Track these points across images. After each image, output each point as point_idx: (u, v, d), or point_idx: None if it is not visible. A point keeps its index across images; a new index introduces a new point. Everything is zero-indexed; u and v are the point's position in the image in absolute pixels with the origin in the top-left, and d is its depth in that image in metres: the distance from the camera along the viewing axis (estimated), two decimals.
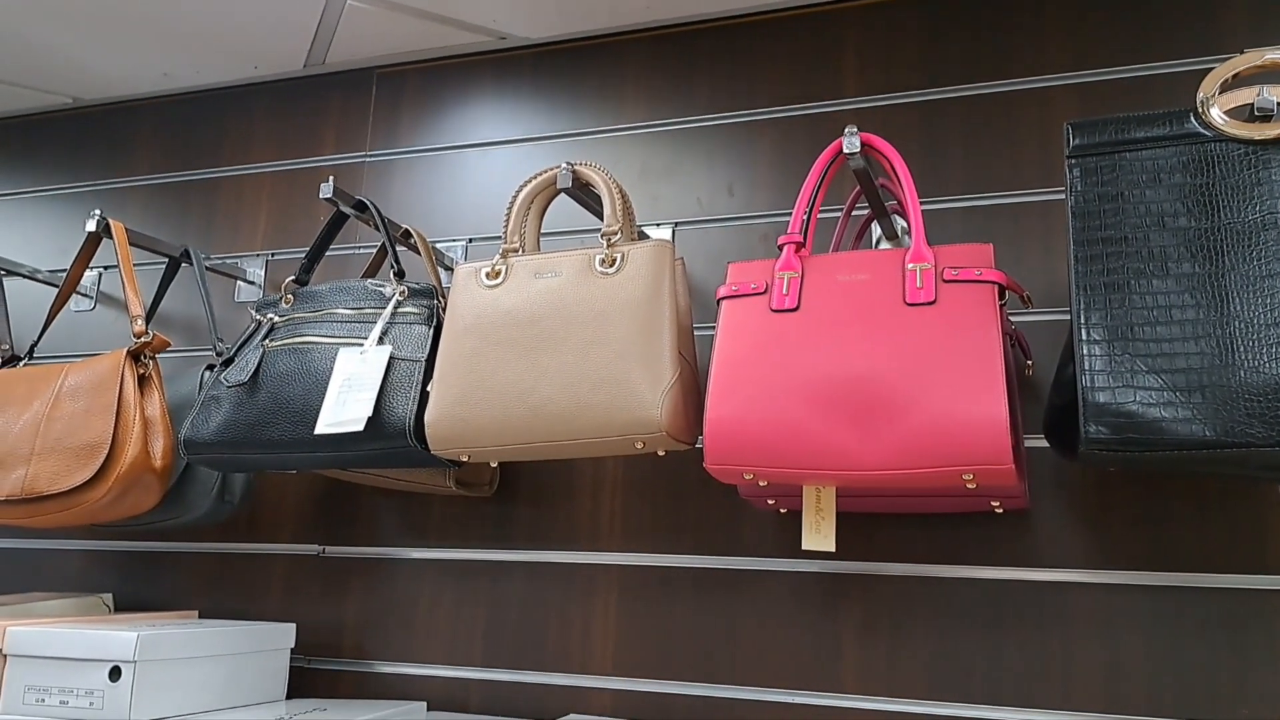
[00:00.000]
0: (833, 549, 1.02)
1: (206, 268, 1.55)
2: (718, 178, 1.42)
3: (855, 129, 1.04)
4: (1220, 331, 0.81)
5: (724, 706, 1.23)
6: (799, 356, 0.96)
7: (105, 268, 1.74)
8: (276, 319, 1.27)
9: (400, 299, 1.21)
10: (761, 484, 1.00)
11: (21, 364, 1.43)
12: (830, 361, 0.95)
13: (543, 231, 1.40)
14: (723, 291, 1.04)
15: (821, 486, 1.03)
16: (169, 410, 1.30)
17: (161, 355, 1.59)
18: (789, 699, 1.20)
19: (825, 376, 0.94)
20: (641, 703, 1.26)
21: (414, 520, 1.44)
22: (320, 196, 1.26)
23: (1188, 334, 0.82)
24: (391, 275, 1.24)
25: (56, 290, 1.50)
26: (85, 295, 1.74)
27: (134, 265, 1.69)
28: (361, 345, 1.18)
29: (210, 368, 1.39)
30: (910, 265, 0.97)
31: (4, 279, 1.56)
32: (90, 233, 1.39)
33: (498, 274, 1.12)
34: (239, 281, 1.65)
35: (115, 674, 1.09)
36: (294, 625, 1.35)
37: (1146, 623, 1.10)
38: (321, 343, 1.20)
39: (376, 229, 1.32)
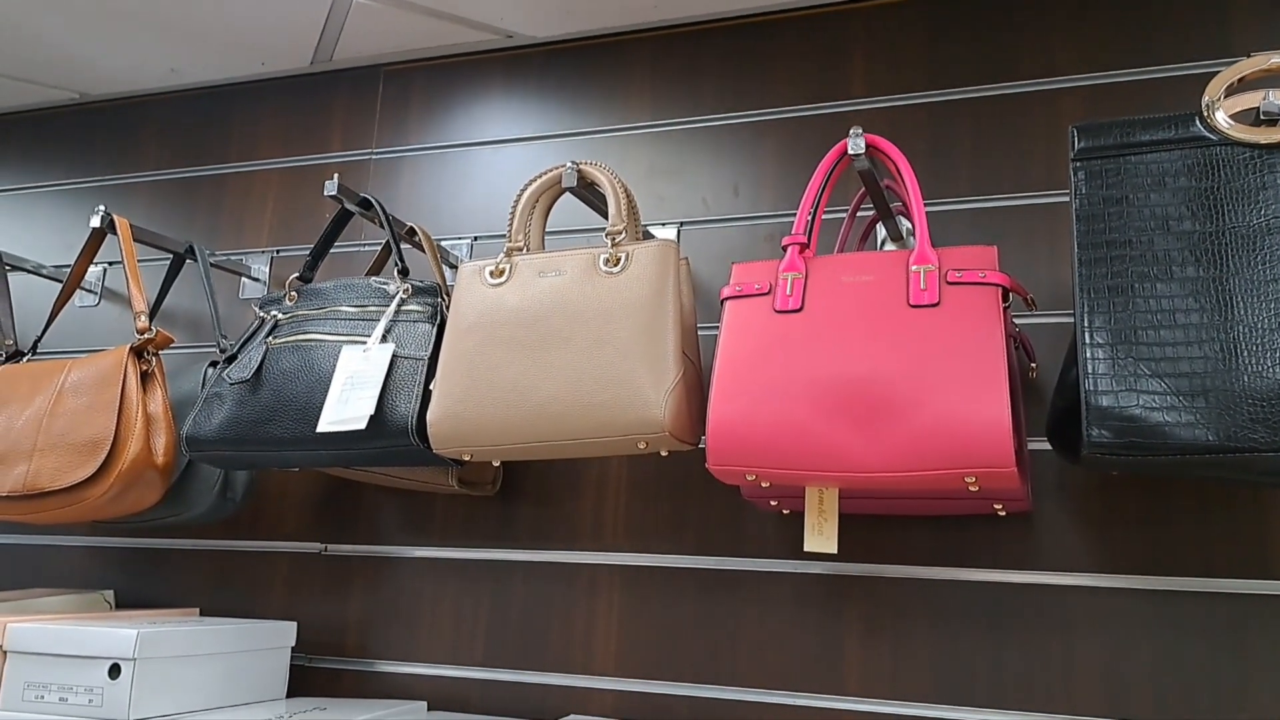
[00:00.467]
0: (835, 551, 1.02)
1: (211, 264, 1.56)
2: (723, 178, 1.42)
3: (860, 130, 1.04)
4: (1224, 336, 0.80)
5: (726, 708, 1.22)
6: (802, 357, 0.96)
7: (110, 263, 1.74)
8: (280, 316, 1.27)
9: (404, 297, 1.21)
10: (764, 485, 1.00)
11: (25, 359, 1.43)
12: (833, 362, 0.94)
13: (548, 230, 1.41)
14: (727, 292, 1.04)
15: (824, 488, 1.03)
16: (172, 407, 1.30)
17: (165, 352, 1.59)
18: (791, 701, 1.20)
19: (828, 377, 0.94)
20: (643, 704, 1.26)
21: (417, 519, 1.44)
22: (325, 194, 1.26)
23: (1191, 338, 0.82)
24: (395, 273, 1.24)
25: (61, 286, 1.50)
26: (90, 291, 1.74)
27: (139, 261, 1.69)
28: (365, 343, 1.18)
29: (214, 364, 1.39)
30: (914, 267, 0.97)
31: (9, 274, 1.57)
32: (95, 228, 1.39)
33: (502, 272, 1.12)
34: (243, 278, 1.65)
35: (115, 671, 1.09)
36: (295, 624, 1.36)
37: (1149, 627, 1.10)
38: (325, 340, 1.20)
39: (381, 227, 1.32)
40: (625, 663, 1.28)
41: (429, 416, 1.08)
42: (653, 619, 1.28)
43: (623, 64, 1.52)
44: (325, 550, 1.48)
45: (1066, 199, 1.25)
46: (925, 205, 1.29)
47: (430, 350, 1.16)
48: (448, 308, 1.20)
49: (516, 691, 1.32)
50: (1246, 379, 0.79)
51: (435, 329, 1.18)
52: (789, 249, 1.03)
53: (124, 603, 1.55)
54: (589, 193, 1.18)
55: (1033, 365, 1.17)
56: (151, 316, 1.47)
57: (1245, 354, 0.79)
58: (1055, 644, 1.12)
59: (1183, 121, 0.88)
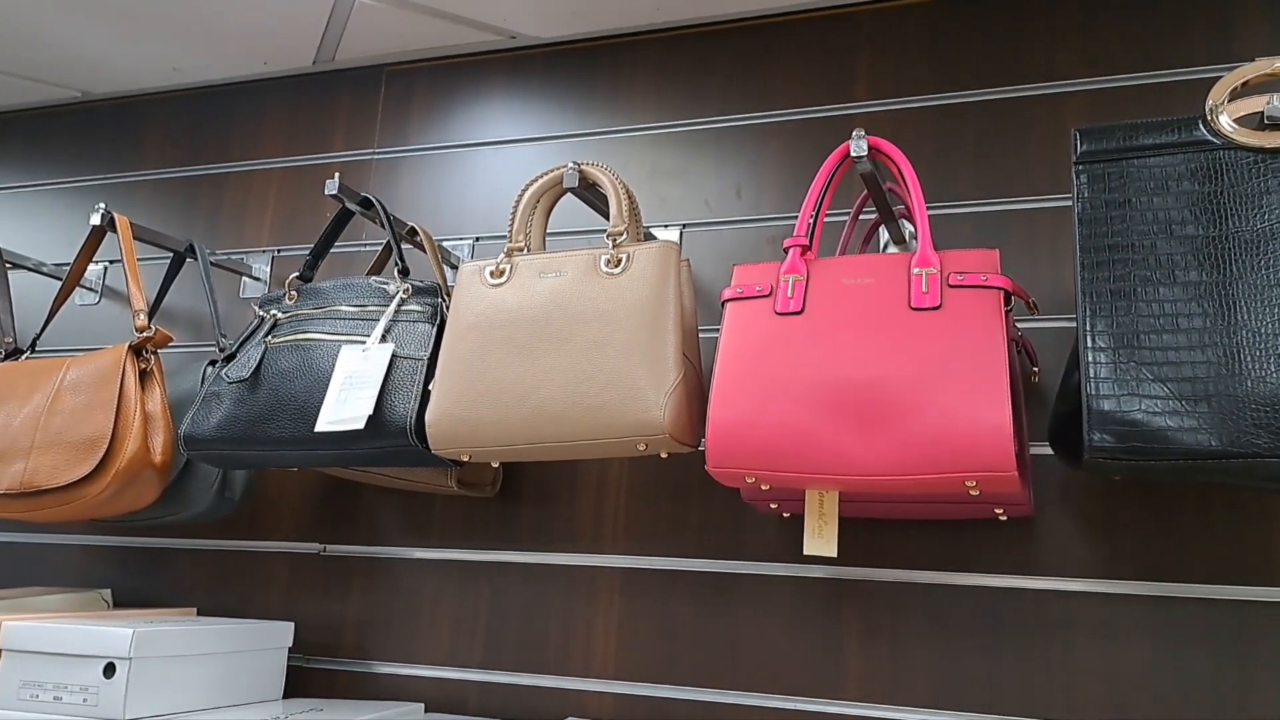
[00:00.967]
0: (834, 554, 1.01)
1: (212, 263, 1.55)
2: (727, 179, 1.41)
3: (863, 132, 1.03)
4: (1227, 340, 0.80)
5: (725, 712, 1.22)
6: (803, 359, 0.95)
7: (111, 262, 1.74)
8: (280, 315, 1.26)
9: (404, 297, 1.21)
10: (764, 488, 1.00)
11: (24, 357, 1.42)
12: (834, 365, 0.94)
13: (551, 231, 1.40)
14: (727, 294, 1.03)
15: (824, 491, 1.03)
16: (171, 406, 1.29)
17: (166, 350, 1.59)
18: (790, 705, 1.19)
19: (828, 380, 0.93)
20: (641, 707, 1.25)
21: (416, 519, 1.44)
22: (325, 193, 1.26)
23: (1194, 343, 0.81)
24: (396, 273, 1.24)
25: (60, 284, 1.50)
26: (91, 289, 1.74)
27: (140, 260, 1.69)
28: (364, 343, 1.17)
29: (213, 363, 1.39)
30: (916, 270, 0.97)
31: (10, 272, 1.56)
32: (94, 226, 1.39)
33: (502, 273, 1.12)
34: (244, 277, 1.65)
35: (110, 670, 1.08)
36: (292, 624, 1.35)
37: (1150, 633, 1.09)
38: (324, 340, 1.20)
39: (382, 226, 1.31)
40: (624, 666, 1.28)
41: (427, 417, 1.07)
42: (652, 622, 1.28)
43: (627, 65, 1.52)
44: (324, 550, 1.47)
45: (1070, 203, 1.24)
46: (928, 208, 1.29)
47: (430, 350, 1.15)
48: (448, 308, 1.20)
49: (514, 694, 1.31)
50: (1250, 384, 0.78)
51: (435, 329, 1.18)
52: (790, 251, 1.02)
53: (121, 602, 1.54)
54: (590, 193, 1.18)
55: (1035, 369, 1.16)
56: (151, 315, 1.47)
57: (1248, 359, 0.79)
58: (1055, 650, 1.12)
59: (1186, 125, 0.88)
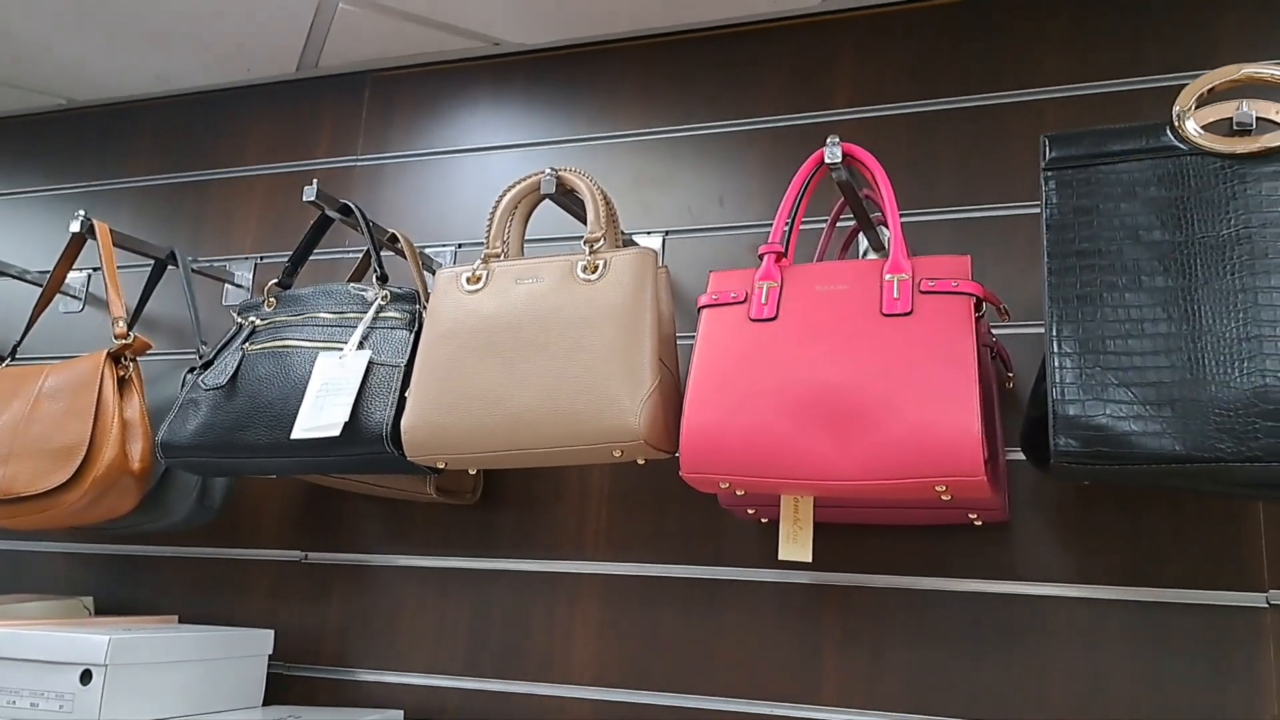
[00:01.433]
0: (809, 559, 1.01)
1: (194, 270, 1.56)
2: (709, 187, 1.42)
3: (837, 139, 1.04)
4: (1192, 345, 0.80)
5: (703, 717, 1.22)
6: (776, 365, 0.96)
7: (94, 269, 1.74)
8: (258, 322, 1.27)
9: (382, 303, 1.21)
10: (739, 493, 1.00)
11: (4, 364, 1.42)
12: (806, 370, 0.94)
13: (534, 238, 1.41)
14: (703, 300, 1.04)
15: (800, 496, 1.03)
16: (152, 413, 1.29)
17: (148, 358, 1.60)
18: (770, 710, 1.19)
19: (801, 385, 0.94)
20: (621, 714, 1.25)
21: (398, 527, 1.44)
22: (304, 200, 1.26)
23: (1159, 348, 0.82)
24: (375, 279, 1.24)
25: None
26: (74, 296, 1.74)
27: (123, 267, 1.69)
28: (341, 349, 1.18)
29: (192, 370, 1.39)
30: (888, 276, 0.97)
31: None
32: (74, 234, 1.39)
33: (479, 279, 1.12)
34: (226, 284, 1.65)
35: (86, 677, 1.08)
36: (272, 632, 1.35)
37: (1126, 638, 1.09)
38: (302, 346, 1.20)
39: (361, 233, 1.31)
40: (604, 672, 1.28)
41: (403, 424, 1.08)
42: (632, 628, 1.28)
43: (611, 72, 1.52)
44: (306, 558, 1.47)
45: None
46: (906, 215, 1.29)
47: (407, 357, 1.16)
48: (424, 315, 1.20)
49: (495, 701, 1.31)
50: (1213, 389, 0.79)
51: (413, 336, 1.18)
52: (765, 258, 1.03)
53: (103, 609, 1.54)
54: (568, 199, 1.18)
55: (1010, 375, 1.17)
56: (133, 322, 1.48)
57: (1212, 364, 0.79)
58: (1032, 655, 1.12)
59: (1153, 131, 0.89)
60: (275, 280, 1.31)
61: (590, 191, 1.13)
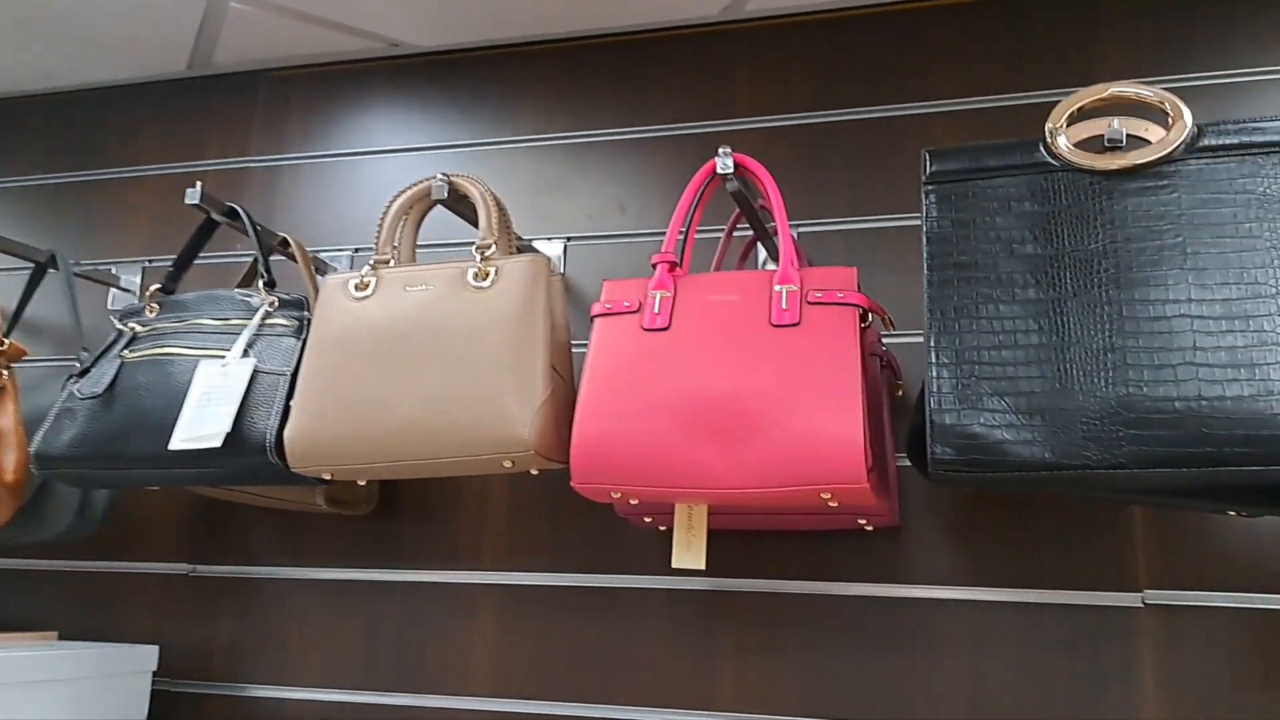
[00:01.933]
0: (703, 566, 1.02)
1: (77, 274, 1.49)
2: (610, 194, 1.42)
3: (729, 150, 1.04)
4: (1061, 356, 0.83)
5: None
6: (666, 375, 0.96)
7: None
8: (139, 328, 1.22)
9: (269, 310, 1.18)
10: (633, 502, 1.00)
11: None
12: (695, 380, 0.94)
13: (430, 243, 1.39)
14: (596, 309, 1.03)
15: (694, 505, 1.03)
16: (27, 422, 1.24)
17: (26, 364, 1.52)
18: (667, 718, 1.20)
19: (690, 394, 0.94)
20: None
21: (291, 538, 1.40)
22: (186, 202, 1.22)
23: (1031, 358, 0.84)
24: (260, 285, 1.20)
25: None
26: None
27: (2, 270, 1.62)
28: (224, 357, 1.14)
29: (71, 378, 1.33)
30: (777, 287, 0.98)
31: None
32: None
33: (366, 285, 1.10)
34: (112, 289, 1.59)
35: None
36: (156, 647, 1.30)
37: (1012, 639, 1.12)
38: (183, 354, 1.16)
39: (247, 236, 1.28)
40: (503, 683, 1.26)
41: (286, 434, 1.05)
42: (531, 638, 1.27)
43: (511, 77, 1.51)
44: (194, 571, 1.42)
45: None
46: (801, 225, 1.31)
47: (294, 365, 1.12)
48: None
49: (392, 715, 1.29)
50: (1080, 398, 0.81)
51: (301, 344, 1.15)
52: (658, 267, 1.03)
53: None
54: (461, 205, 1.17)
55: (899, 383, 1.19)
56: (11, 328, 1.41)
57: (1079, 374, 0.82)
58: (922, 657, 1.14)
59: (1028, 148, 0.91)
60: (157, 285, 1.26)
61: (482, 197, 1.12)
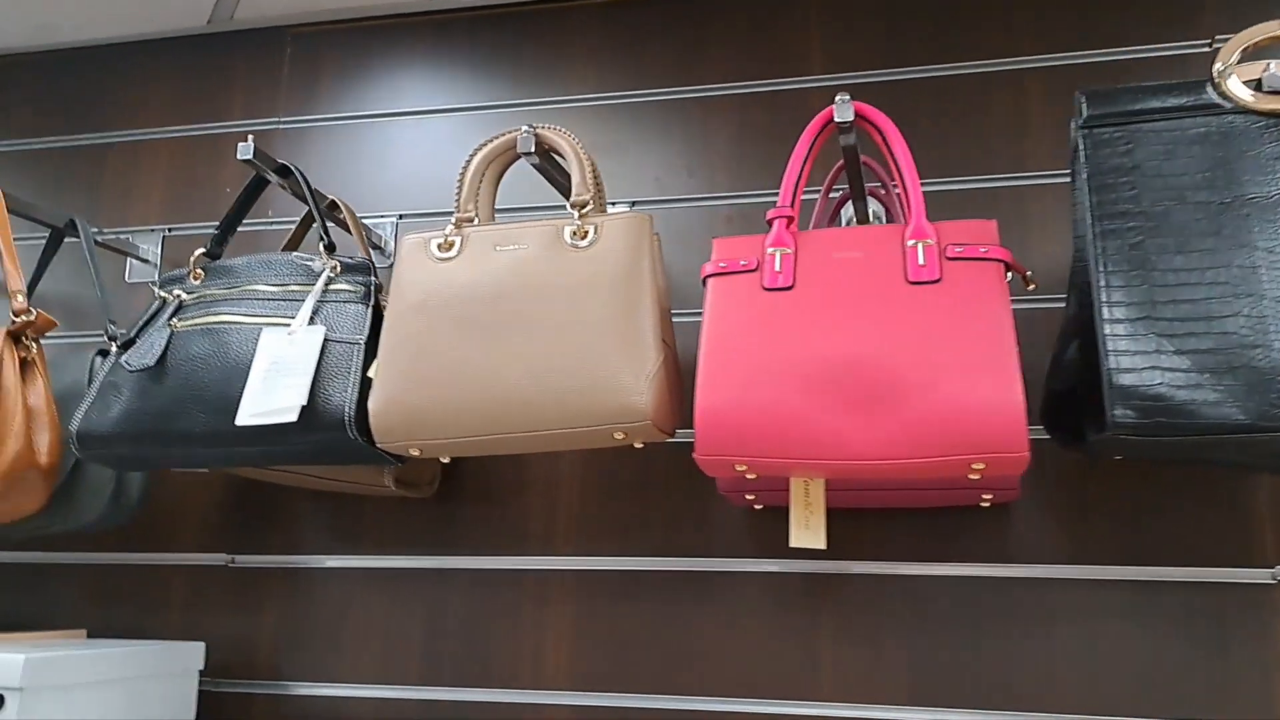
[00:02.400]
0: (823, 545, 0.95)
1: (97, 242, 1.38)
2: (675, 156, 1.33)
3: (848, 97, 0.97)
4: (1251, 310, 0.77)
5: (692, 719, 1.14)
6: (795, 338, 0.88)
7: None
8: (185, 296, 1.12)
9: (331, 275, 1.09)
10: (750, 476, 0.92)
11: None
12: (829, 343, 0.87)
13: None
14: (709, 269, 0.95)
15: (810, 479, 0.96)
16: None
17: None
18: (762, 709, 1.12)
19: (823, 359, 0.86)
20: (602, 718, 1.16)
21: (339, 525, 1.30)
22: (239, 158, 1.12)
23: (1215, 312, 0.78)
24: (321, 249, 1.11)
25: None
26: None
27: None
28: (289, 325, 1.04)
29: (102, 353, 1.23)
30: (910, 241, 0.91)
31: None
32: None
33: (451, 245, 1.01)
34: (130, 258, 1.47)
35: None
36: (202, 645, 1.21)
37: (1129, 619, 1.07)
38: (241, 322, 1.06)
39: (300, 198, 1.18)
40: (580, 675, 1.18)
41: (371, 407, 0.96)
42: (610, 627, 1.19)
43: (563, 32, 1.42)
44: (232, 562, 1.32)
45: (1031, 182, 1.21)
46: (885, 187, 1.24)
47: (367, 333, 1.03)
48: (379, 288, 1.08)
49: (458, 712, 1.20)
50: (1275, 354, 0.75)
51: (369, 310, 1.06)
52: (775, 223, 0.95)
53: None
54: (544, 160, 1.08)
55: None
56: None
57: (1273, 329, 0.76)
58: (1034, 639, 1.08)
59: (1193, 89, 0.85)
60: (202, 250, 1.16)
61: (574, 151, 1.03)
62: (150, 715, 1.10)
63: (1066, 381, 0.93)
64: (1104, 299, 0.80)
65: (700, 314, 0.93)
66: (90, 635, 1.30)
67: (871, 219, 1.22)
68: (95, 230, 1.42)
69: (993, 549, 1.11)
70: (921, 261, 0.89)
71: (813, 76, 1.32)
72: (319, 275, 1.08)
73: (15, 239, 1.47)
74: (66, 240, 1.35)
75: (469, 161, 1.05)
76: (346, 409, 0.98)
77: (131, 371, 1.04)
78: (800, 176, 0.98)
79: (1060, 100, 1.23)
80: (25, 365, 1.12)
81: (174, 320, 1.08)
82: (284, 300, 1.08)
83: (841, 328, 0.88)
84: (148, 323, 1.10)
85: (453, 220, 1.03)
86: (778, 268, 0.93)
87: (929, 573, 1.12)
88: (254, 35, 1.53)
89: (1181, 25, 1.22)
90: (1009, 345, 0.84)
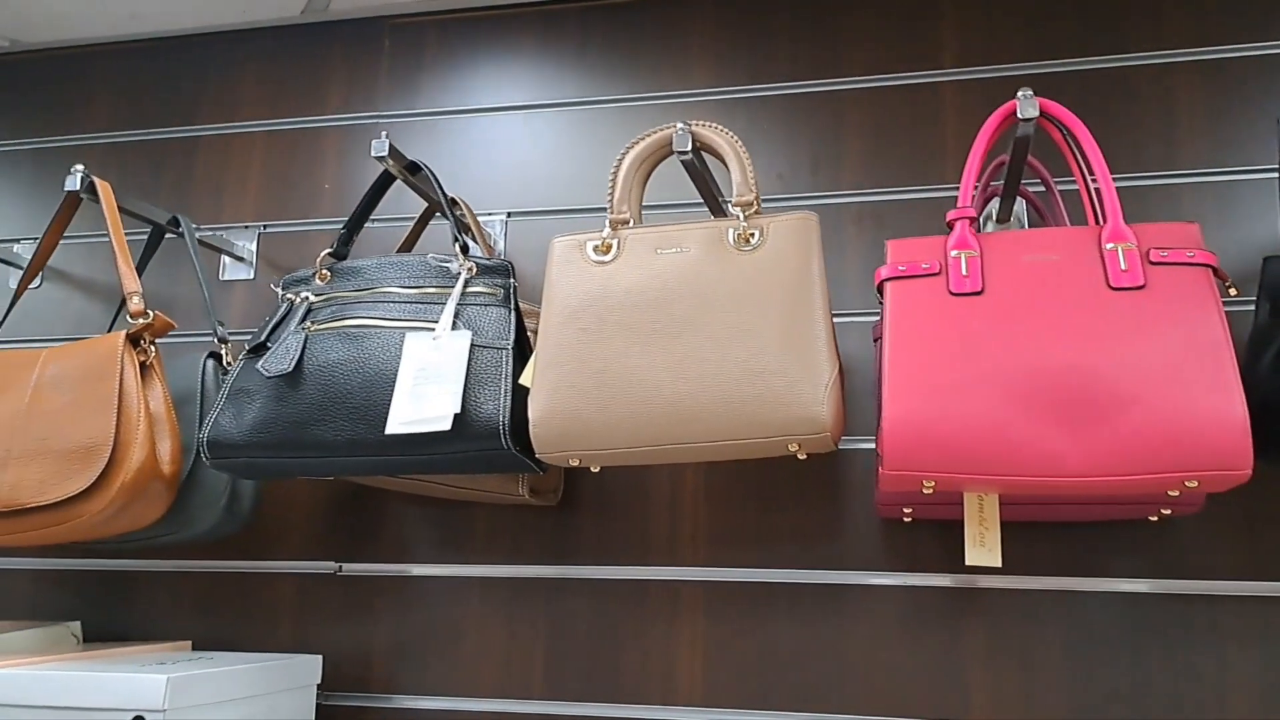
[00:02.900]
0: (999, 563, 0.90)
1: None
2: (800, 152, 1.29)
3: (1030, 92, 0.92)
4: None
5: None
6: (990, 346, 0.83)
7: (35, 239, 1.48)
8: (313, 298, 1.07)
9: (469, 276, 1.04)
10: (927, 490, 0.88)
11: None
12: (1029, 353, 0.82)
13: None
14: (886, 272, 0.90)
15: (985, 494, 0.92)
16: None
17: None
18: None
19: (1025, 369, 0.82)
20: None
21: (452, 532, 1.26)
22: (372, 154, 1.07)
23: None
24: (456, 249, 1.06)
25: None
26: (20, 267, 1.48)
27: (96, 237, 1.46)
28: (432, 329, 1.00)
29: (213, 356, 1.18)
30: (1110, 245, 0.86)
31: None
32: (70, 192, 1.17)
33: (609, 248, 0.96)
34: (225, 256, 1.43)
35: None
36: (320, 657, 1.16)
37: None
38: (378, 326, 1.02)
39: (426, 197, 1.14)
40: (714, 691, 1.14)
41: (532, 415, 0.91)
42: (744, 640, 1.14)
43: (679, 23, 1.37)
44: (340, 570, 1.28)
45: (1186, 180, 1.16)
46: (1033, 186, 1.19)
47: (513, 338, 0.99)
48: (516, 290, 1.04)
49: None
50: None
51: (513, 314, 1.01)
52: (957, 224, 0.90)
53: (91, 635, 1.31)
54: (696, 159, 1.03)
55: None
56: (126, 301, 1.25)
57: None
58: (1205, 659, 1.04)
59: None
60: (327, 250, 1.12)
61: (734, 150, 0.98)
62: None
63: (1259, 392, 0.88)
64: None
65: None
66: (195, 648, 1.26)
67: (1012, 220, 1.17)
68: (198, 227, 1.38)
69: (1156, 564, 1.07)
70: (1124, 266, 0.85)
71: (945, 70, 1.27)
72: (456, 277, 1.04)
73: (93, 236, 1.44)
74: (170, 236, 1.30)
75: (620, 160, 1.01)
76: (501, 417, 0.94)
77: (268, 377, 1.00)
78: (981, 174, 0.93)
79: (1210, 95, 1.18)
80: (144, 369, 1.08)
81: (308, 323, 1.04)
82: (420, 303, 1.03)
83: (1045, 336, 0.83)
84: (277, 325, 1.06)
85: (607, 221, 0.98)
86: (964, 271, 0.88)
87: (1085, 588, 1.08)
88: (350, 26, 1.49)
89: None
90: (1227, 355, 0.79)
